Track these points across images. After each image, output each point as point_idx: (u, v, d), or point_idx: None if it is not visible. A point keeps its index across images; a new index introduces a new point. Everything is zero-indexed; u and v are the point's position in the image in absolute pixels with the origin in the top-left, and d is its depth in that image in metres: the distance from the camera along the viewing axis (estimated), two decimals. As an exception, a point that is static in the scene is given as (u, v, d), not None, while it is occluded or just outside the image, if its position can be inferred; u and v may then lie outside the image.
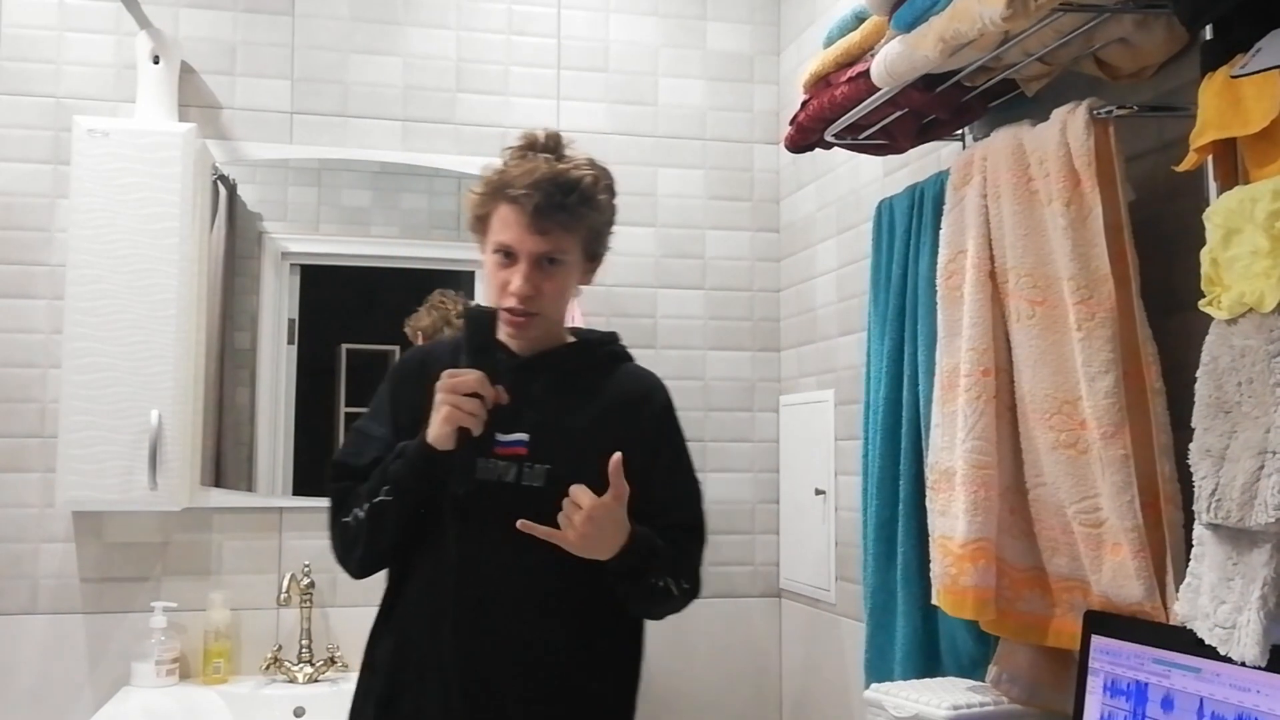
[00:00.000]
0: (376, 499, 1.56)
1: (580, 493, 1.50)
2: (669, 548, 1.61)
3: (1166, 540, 1.31)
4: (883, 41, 1.62)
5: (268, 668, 2.43)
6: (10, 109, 2.47)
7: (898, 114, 1.74)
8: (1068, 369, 1.40)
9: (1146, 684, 1.26)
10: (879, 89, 1.62)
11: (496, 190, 1.59)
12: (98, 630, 2.42)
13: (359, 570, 1.65)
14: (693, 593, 1.67)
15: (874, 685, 1.64)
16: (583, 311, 2.64)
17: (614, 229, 1.70)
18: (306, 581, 2.45)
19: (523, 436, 1.59)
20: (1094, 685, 1.34)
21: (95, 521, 2.43)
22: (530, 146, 1.63)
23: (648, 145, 2.80)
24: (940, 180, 1.73)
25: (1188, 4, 1.20)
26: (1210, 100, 1.16)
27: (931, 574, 1.58)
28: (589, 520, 1.49)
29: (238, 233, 2.55)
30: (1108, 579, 1.35)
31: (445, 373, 1.53)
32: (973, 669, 1.66)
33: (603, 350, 1.74)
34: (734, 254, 2.84)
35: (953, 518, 1.52)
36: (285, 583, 2.40)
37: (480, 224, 1.63)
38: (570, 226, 1.59)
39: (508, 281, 1.57)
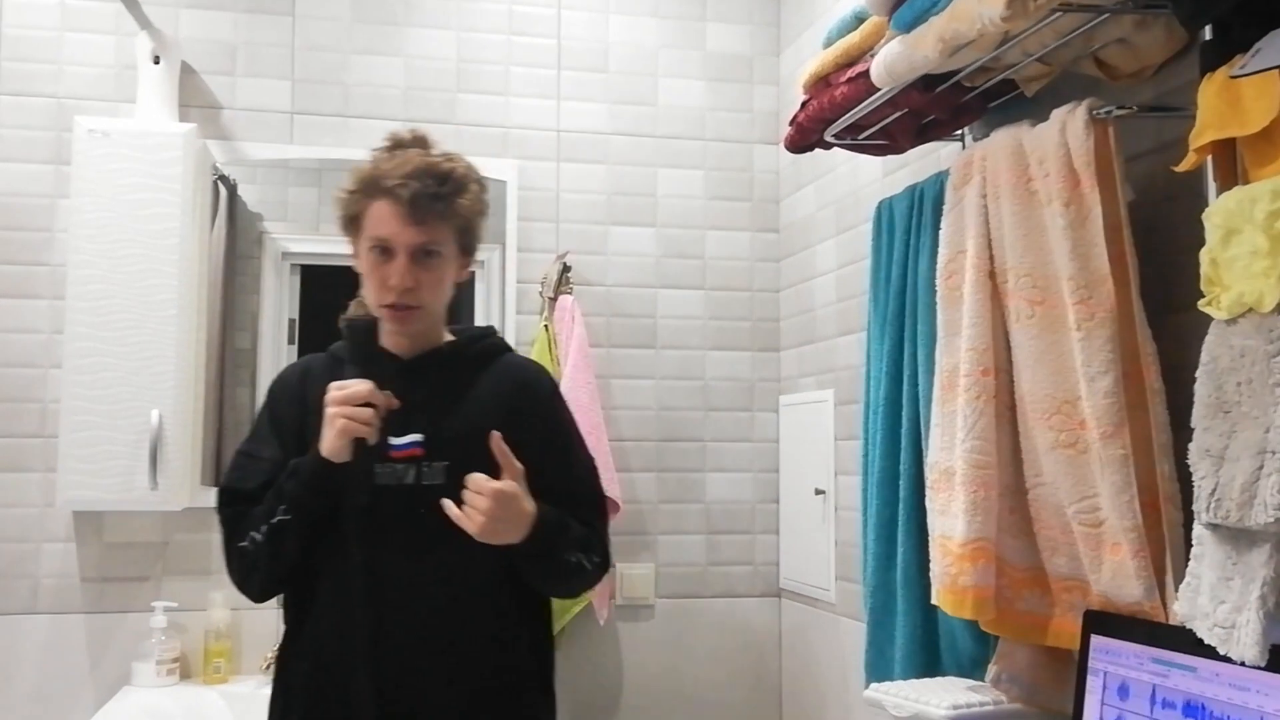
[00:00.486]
0: (274, 519, 1.55)
1: (478, 481, 1.50)
2: (577, 524, 1.62)
3: (1166, 540, 1.31)
4: (882, 42, 1.62)
5: (268, 667, 2.42)
6: (11, 109, 2.47)
7: (897, 114, 1.74)
8: (1067, 369, 1.40)
9: (1146, 683, 1.26)
10: (879, 89, 1.63)
11: (369, 186, 1.58)
12: (98, 630, 2.42)
13: (260, 593, 1.64)
14: (603, 566, 1.67)
15: (874, 685, 1.64)
16: (583, 312, 2.65)
17: (485, 223, 1.70)
18: (307, 581, 2.44)
19: (417, 437, 1.58)
20: (1093, 685, 1.34)
21: (96, 521, 2.44)
22: (398, 145, 1.63)
23: (648, 146, 2.80)
24: (940, 180, 1.74)
25: (1187, 4, 1.20)
26: (1210, 100, 1.16)
27: (931, 574, 1.58)
28: (493, 506, 1.49)
29: (238, 233, 2.56)
30: (1107, 579, 1.35)
31: (332, 385, 1.54)
32: (972, 669, 1.66)
33: (482, 344, 1.73)
34: (734, 254, 2.84)
35: (952, 517, 1.52)
36: (285, 583, 2.40)
37: (353, 224, 1.62)
38: (446, 216, 1.59)
39: (387, 277, 1.57)
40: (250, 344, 2.54)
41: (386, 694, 1.56)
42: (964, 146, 1.86)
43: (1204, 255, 1.14)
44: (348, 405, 1.51)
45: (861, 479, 1.97)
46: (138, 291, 2.32)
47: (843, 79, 1.73)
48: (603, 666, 2.69)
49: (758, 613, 2.78)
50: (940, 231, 1.64)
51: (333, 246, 2.63)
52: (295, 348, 2.55)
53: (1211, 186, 1.22)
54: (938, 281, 1.63)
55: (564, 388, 2.57)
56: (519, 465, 1.54)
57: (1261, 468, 1.04)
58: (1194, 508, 1.13)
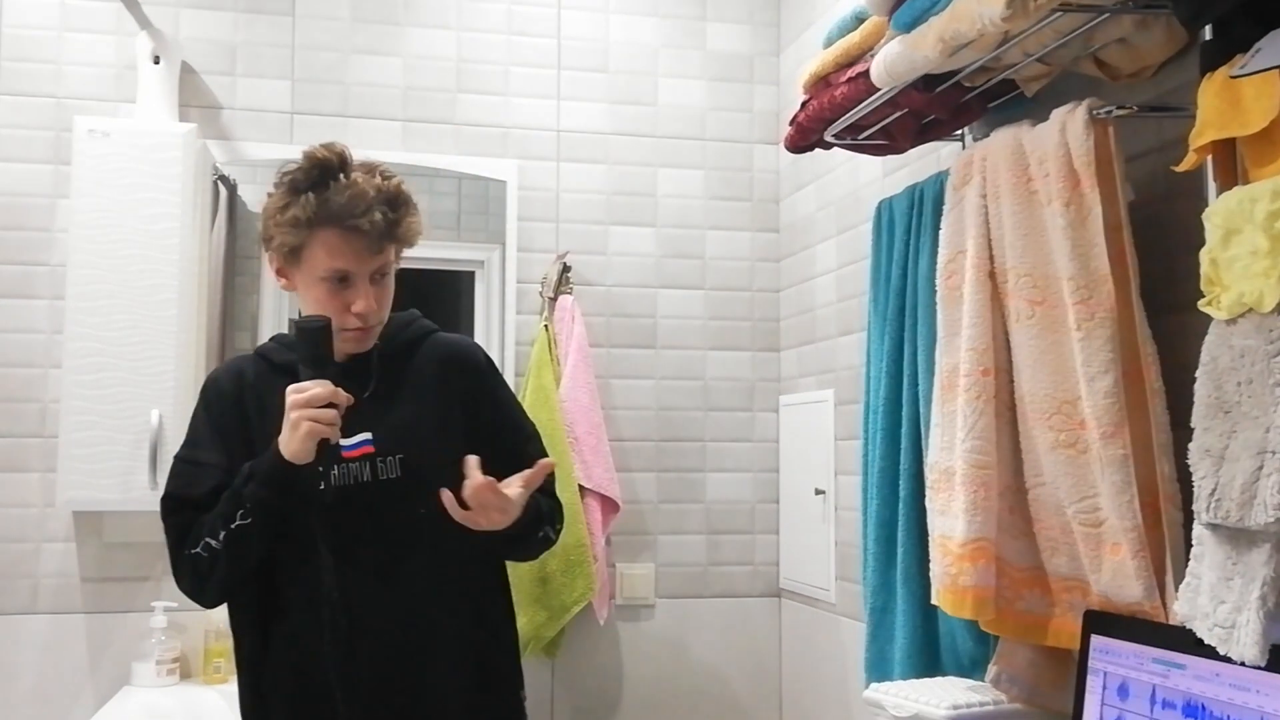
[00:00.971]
0: (234, 525, 1.53)
1: (479, 488, 1.51)
2: (543, 498, 1.67)
3: (1166, 540, 1.31)
4: (882, 42, 1.62)
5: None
6: (11, 109, 2.47)
7: (897, 114, 1.74)
8: (1067, 369, 1.40)
9: (1146, 683, 1.26)
10: (879, 89, 1.63)
11: (319, 221, 1.54)
12: (98, 630, 2.42)
13: (215, 599, 1.63)
14: (551, 540, 1.73)
15: (874, 685, 1.64)
16: (583, 312, 2.65)
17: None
18: (307, 581, 2.44)
19: (366, 436, 1.59)
20: (1093, 685, 1.34)
21: (96, 521, 2.44)
22: (326, 168, 1.56)
23: (648, 146, 2.80)
24: (940, 180, 1.74)
25: (1187, 4, 1.20)
26: (1210, 100, 1.16)
27: (931, 574, 1.58)
28: (500, 508, 1.53)
29: (238, 233, 2.55)
30: (1107, 579, 1.35)
31: (292, 388, 1.52)
32: (972, 669, 1.66)
33: (408, 332, 1.73)
34: (734, 254, 2.84)
35: (952, 517, 1.52)
36: (285, 583, 2.40)
37: (294, 253, 1.58)
38: (399, 239, 1.61)
39: (349, 303, 1.57)
40: (250, 344, 2.54)
41: (366, 689, 1.57)
42: (964, 146, 1.86)
43: (1204, 255, 1.14)
44: (311, 407, 1.50)
45: (861, 479, 1.97)
46: (138, 291, 2.32)
47: (843, 79, 1.73)
48: (603, 666, 2.69)
49: (758, 613, 2.78)
50: (940, 231, 1.64)
51: (333, 246, 2.65)
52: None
53: (1211, 186, 1.22)
54: (938, 281, 1.63)
55: (564, 388, 2.58)
56: (482, 480, 1.53)
57: (1261, 468, 1.04)
58: (1194, 508, 1.13)
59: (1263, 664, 1.06)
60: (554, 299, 2.64)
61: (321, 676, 1.57)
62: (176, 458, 1.67)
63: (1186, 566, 1.17)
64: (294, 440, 1.50)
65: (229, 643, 2.38)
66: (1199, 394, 1.14)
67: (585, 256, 2.73)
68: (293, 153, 2.55)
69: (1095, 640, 1.35)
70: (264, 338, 2.52)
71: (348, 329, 1.59)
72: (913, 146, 1.91)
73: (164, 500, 1.64)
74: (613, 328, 2.75)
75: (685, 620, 2.74)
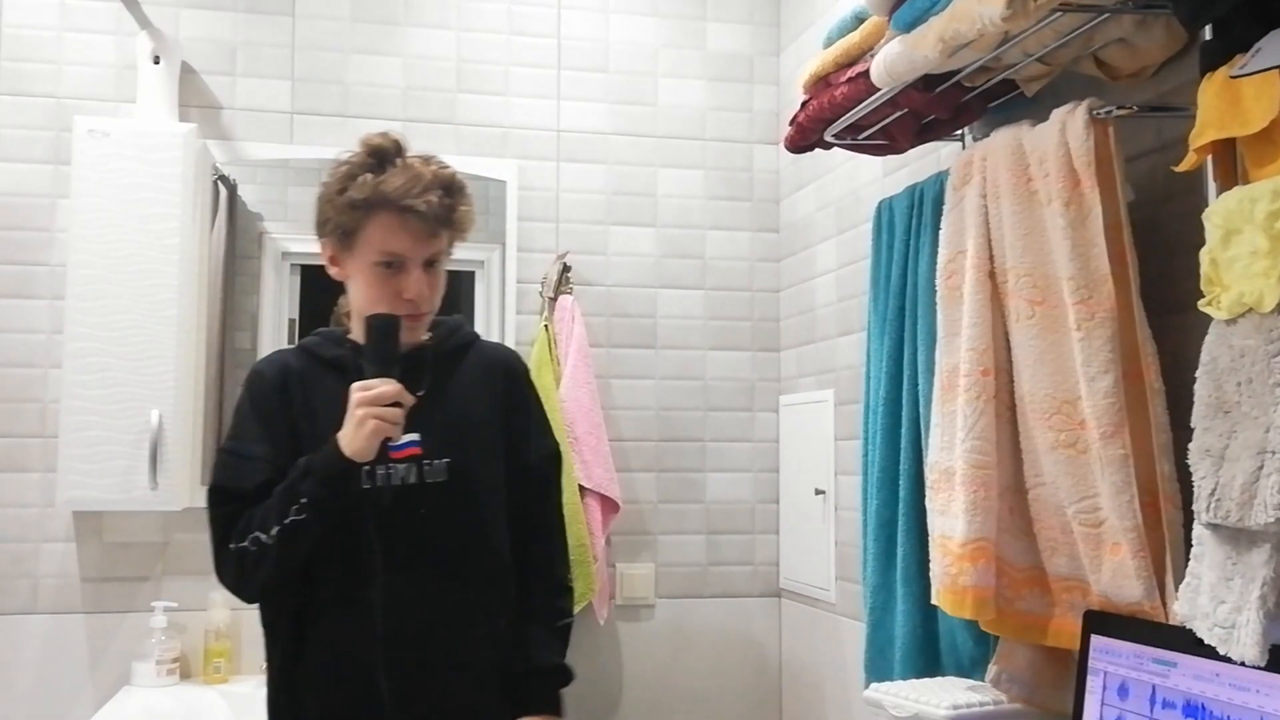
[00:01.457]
0: (288, 520, 1.52)
1: None
2: (552, 639, 1.75)
3: (1166, 540, 1.31)
4: (882, 42, 1.62)
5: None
6: (11, 109, 2.47)
7: (897, 114, 1.74)
8: (1067, 369, 1.40)
9: (1146, 683, 1.26)
10: (879, 89, 1.63)
11: (376, 202, 1.56)
12: (98, 630, 2.42)
13: (257, 593, 1.63)
14: (571, 592, 1.84)
15: (874, 685, 1.64)
16: (583, 312, 2.65)
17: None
18: (307, 581, 2.44)
19: (414, 437, 1.58)
20: (1093, 685, 1.34)
21: (96, 521, 2.44)
22: (383, 154, 1.60)
23: (648, 145, 2.80)
24: (940, 180, 1.74)
25: (1187, 4, 1.20)
26: (1210, 100, 1.16)
27: (931, 573, 1.58)
28: None
29: (238, 233, 2.55)
30: (1107, 578, 1.35)
31: (357, 386, 1.52)
32: (972, 668, 1.66)
33: (457, 337, 1.74)
34: (734, 254, 2.84)
35: (952, 517, 1.52)
36: (285, 582, 2.40)
37: (348, 236, 1.59)
38: (454, 224, 1.62)
39: (400, 289, 1.57)
40: (250, 344, 2.54)
41: (405, 691, 1.57)
42: (964, 146, 1.86)
43: (1204, 255, 1.14)
44: (377, 405, 1.50)
45: (861, 479, 1.97)
46: (138, 291, 2.32)
47: (843, 79, 1.73)
48: (603, 666, 2.69)
49: (758, 613, 2.78)
50: (940, 231, 1.64)
51: (333, 246, 2.65)
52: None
53: (1211, 186, 1.22)
54: (938, 281, 1.63)
55: (564, 388, 2.58)
56: None
57: (1261, 468, 1.04)
58: (1194, 508, 1.13)
59: (1263, 664, 1.05)
60: (554, 299, 2.64)
61: (366, 674, 1.56)
62: (221, 449, 1.67)
63: (1186, 566, 1.16)
64: (358, 438, 1.50)
65: (229, 643, 2.41)
66: (1199, 394, 1.14)
67: (585, 256, 2.73)
68: (293, 152, 2.60)
69: (1095, 640, 1.35)
70: (264, 338, 2.53)
71: (396, 312, 1.58)
72: (913, 146, 1.91)
73: (211, 491, 1.62)
74: (613, 328, 2.75)
75: (685, 620, 2.74)
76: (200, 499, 2.43)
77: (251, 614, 2.44)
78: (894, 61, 1.54)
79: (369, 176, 1.57)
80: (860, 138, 1.87)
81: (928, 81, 1.62)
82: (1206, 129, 1.16)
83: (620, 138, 2.79)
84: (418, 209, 1.55)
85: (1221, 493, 1.08)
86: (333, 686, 1.59)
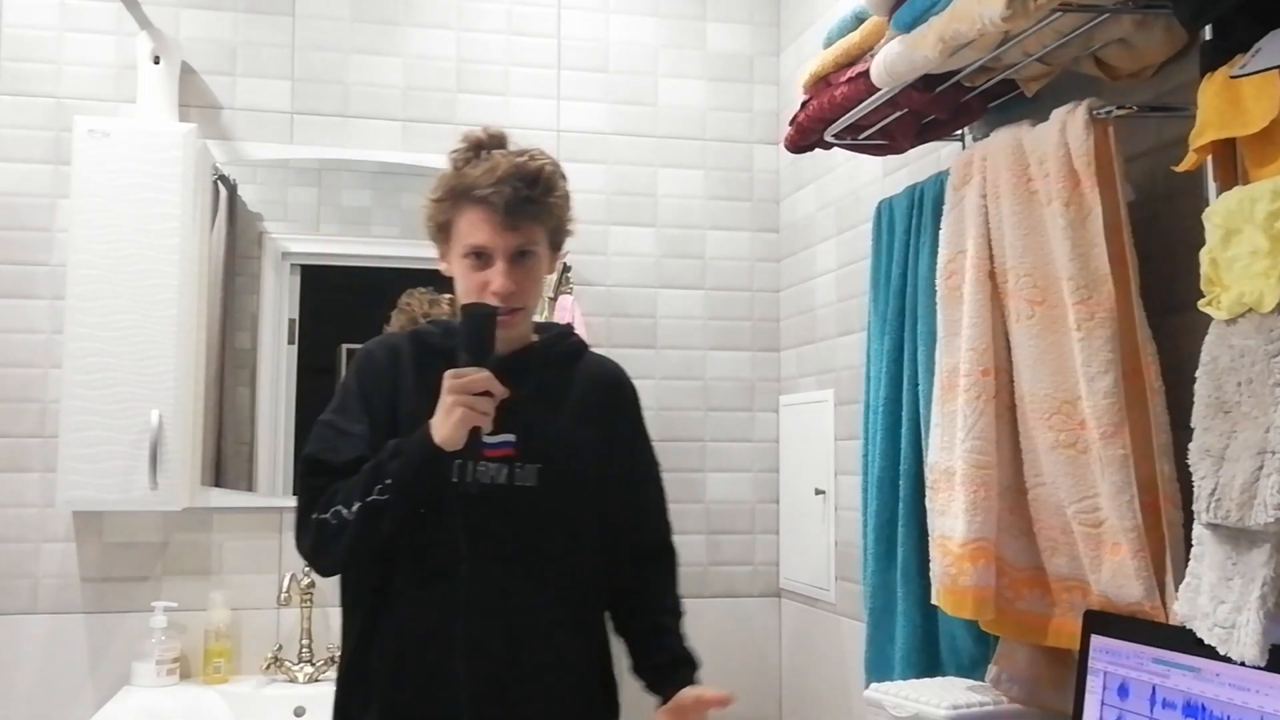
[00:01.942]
0: (370, 499, 1.51)
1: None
2: (677, 626, 1.78)
3: (1166, 540, 1.31)
4: (882, 42, 1.62)
5: (268, 667, 2.43)
6: (11, 109, 2.47)
7: (897, 114, 1.74)
8: (1067, 369, 1.40)
9: (1146, 684, 1.26)
10: (879, 89, 1.63)
11: (459, 194, 1.58)
12: (98, 630, 2.42)
13: (333, 568, 1.62)
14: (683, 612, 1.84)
15: (874, 685, 1.64)
16: (583, 312, 2.65)
17: (572, 215, 1.73)
18: (307, 581, 2.45)
19: (509, 438, 1.57)
20: (1094, 685, 1.34)
21: (96, 521, 2.44)
22: (478, 146, 1.61)
23: (648, 145, 2.80)
24: (940, 180, 1.74)
25: (1187, 4, 1.20)
26: (1210, 100, 1.16)
27: (931, 574, 1.58)
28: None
29: (238, 233, 2.55)
30: (1107, 579, 1.35)
31: (450, 373, 1.50)
32: (972, 669, 1.66)
33: (567, 343, 1.74)
34: (734, 254, 2.84)
35: (952, 517, 1.52)
36: (286, 583, 2.40)
37: (442, 232, 1.62)
38: (539, 217, 1.60)
39: (486, 282, 1.56)
40: (250, 344, 2.54)
41: (480, 684, 1.56)
42: (964, 146, 1.86)
43: (1204, 255, 1.14)
44: (468, 394, 1.48)
45: (861, 479, 1.97)
46: (138, 291, 2.32)
47: (843, 79, 1.73)
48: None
49: (758, 613, 2.78)
50: (940, 231, 1.64)
51: (333, 246, 2.65)
52: (295, 348, 2.55)
53: (1212, 186, 1.22)
54: (938, 281, 1.63)
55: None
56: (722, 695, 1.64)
57: (1261, 468, 1.04)
58: (1194, 508, 1.13)
59: (1263, 664, 1.05)
60: (554, 299, 2.64)
61: (434, 664, 1.56)
62: (320, 421, 1.64)
63: (1186, 566, 1.16)
64: (447, 424, 1.48)
65: (229, 643, 2.42)
66: (1199, 394, 1.14)
67: (585, 256, 2.73)
68: (293, 152, 2.60)
69: (1095, 640, 1.35)
70: (264, 338, 2.54)
71: None
72: (913, 146, 1.91)
73: (305, 460, 1.61)
74: (613, 328, 2.75)
75: (685, 620, 2.73)
76: (200, 499, 2.46)
77: (251, 615, 2.47)
78: (894, 61, 1.54)
79: (453, 170, 1.59)
80: (860, 138, 1.87)
81: (928, 81, 1.62)
82: (1206, 129, 1.16)
83: (620, 138, 2.79)
84: (491, 200, 1.55)
85: (1221, 493, 1.08)
86: (403, 671, 1.57)
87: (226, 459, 2.52)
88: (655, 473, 1.79)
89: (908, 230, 1.84)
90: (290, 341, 2.55)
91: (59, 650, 2.41)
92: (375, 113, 2.65)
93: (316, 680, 2.40)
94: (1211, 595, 1.11)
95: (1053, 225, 1.41)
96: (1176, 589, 1.20)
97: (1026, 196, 1.46)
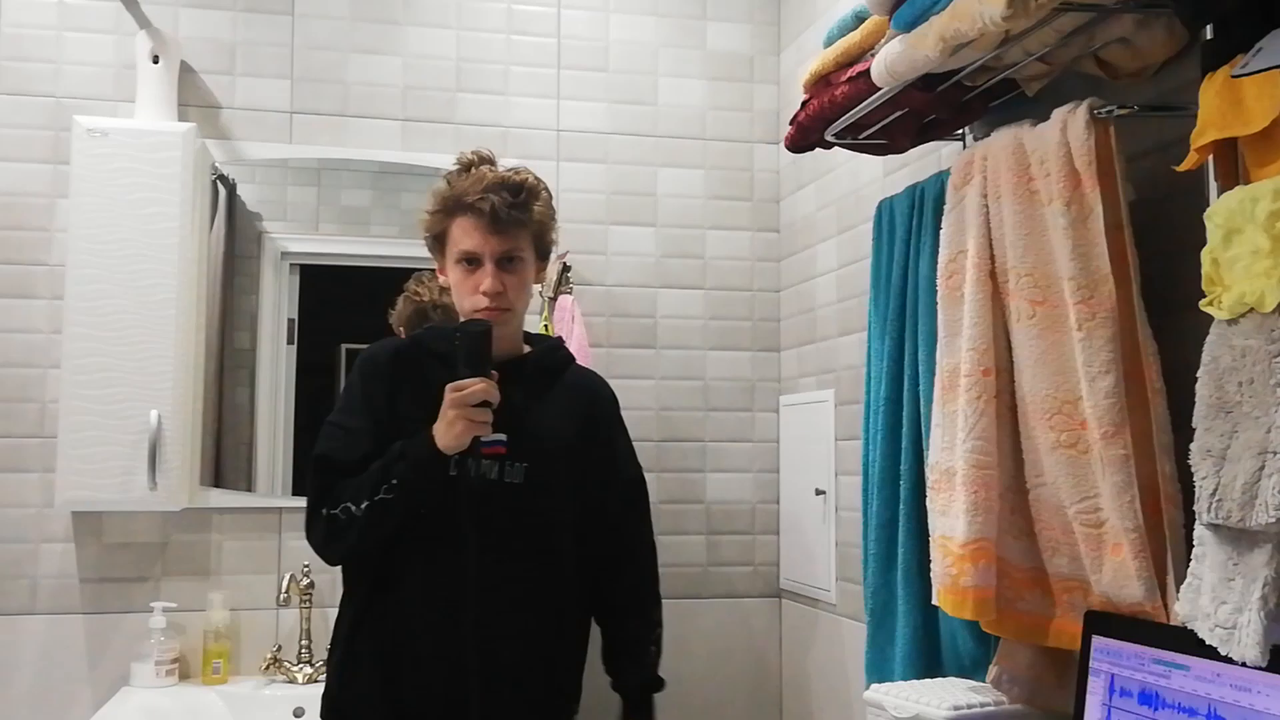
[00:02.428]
0: (377, 497, 1.66)
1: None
2: (647, 640, 1.91)
3: (1167, 540, 1.31)
4: (883, 41, 1.62)
5: (267, 668, 2.43)
6: (10, 109, 2.47)
7: (898, 114, 1.74)
8: (1068, 369, 1.40)
9: (1147, 684, 1.26)
10: (879, 89, 1.62)
11: (451, 205, 1.75)
12: (97, 630, 2.42)
13: (341, 559, 1.78)
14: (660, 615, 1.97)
15: (874, 685, 1.64)
16: (583, 312, 2.64)
17: (556, 228, 1.87)
18: (306, 582, 2.45)
19: (501, 437, 1.72)
20: (1095, 685, 1.34)
21: (94, 522, 2.43)
22: (468, 165, 1.79)
23: (648, 145, 2.80)
24: (940, 180, 1.73)
25: (1188, 3, 1.20)
26: (1211, 100, 1.16)
27: (932, 574, 1.58)
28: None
29: (237, 232, 2.55)
30: (1108, 579, 1.35)
31: (451, 386, 1.65)
32: (973, 669, 1.66)
33: (556, 356, 1.91)
34: (734, 254, 2.83)
35: (953, 518, 1.52)
36: (285, 583, 2.40)
37: (438, 243, 1.79)
38: (523, 223, 1.76)
39: (477, 285, 1.73)
40: (249, 344, 2.54)
41: (486, 656, 1.69)
42: (964, 146, 1.86)
43: (1205, 255, 1.14)
44: (466, 405, 1.64)
45: (862, 479, 1.97)
46: (137, 291, 2.32)
47: (843, 78, 1.73)
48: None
49: (758, 613, 2.77)
50: (941, 231, 1.63)
51: (332, 246, 2.65)
52: (294, 347, 2.55)
53: (1213, 186, 1.22)
54: (938, 281, 1.62)
55: (564, 388, 2.57)
56: None
57: (1263, 468, 1.04)
58: (1195, 508, 1.13)
59: (1264, 665, 1.05)
60: (554, 299, 2.64)
61: (427, 655, 1.70)
62: (328, 421, 1.79)
63: (1187, 567, 1.16)
64: (449, 435, 1.66)
65: (228, 644, 2.42)
66: (1200, 394, 1.13)
67: (585, 256, 2.73)
68: (292, 152, 2.60)
69: (1096, 641, 1.35)
70: (263, 338, 2.54)
71: (478, 309, 1.74)
72: (913, 146, 1.91)
73: (315, 458, 1.75)
74: (613, 328, 2.75)
75: (685, 620, 2.74)
76: (199, 499, 2.45)
77: (250, 615, 2.47)
78: (894, 61, 1.54)
79: (445, 185, 1.78)
80: (861, 137, 1.87)
81: (928, 81, 1.61)
82: (1208, 128, 1.16)
83: (620, 137, 2.78)
84: (479, 206, 1.71)
85: (1223, 493, 1.08)
86: (417, 645, 1.71)
87: (225, 459, 2.52)
88: (636, 474, 1.96)
89: (908, 230, 1.84)
90: (289, 341, 2.55)
91: (58, 651, 2.40)
92: (375, 112, 2.65)
93: (316, 681, 2.40)
94: (1213, 596, 1.11)
95: (1054, 225, 1.41)
96: (1178, 589, 1.20)
97: (1027, 196, 1.46)
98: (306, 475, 1.75)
